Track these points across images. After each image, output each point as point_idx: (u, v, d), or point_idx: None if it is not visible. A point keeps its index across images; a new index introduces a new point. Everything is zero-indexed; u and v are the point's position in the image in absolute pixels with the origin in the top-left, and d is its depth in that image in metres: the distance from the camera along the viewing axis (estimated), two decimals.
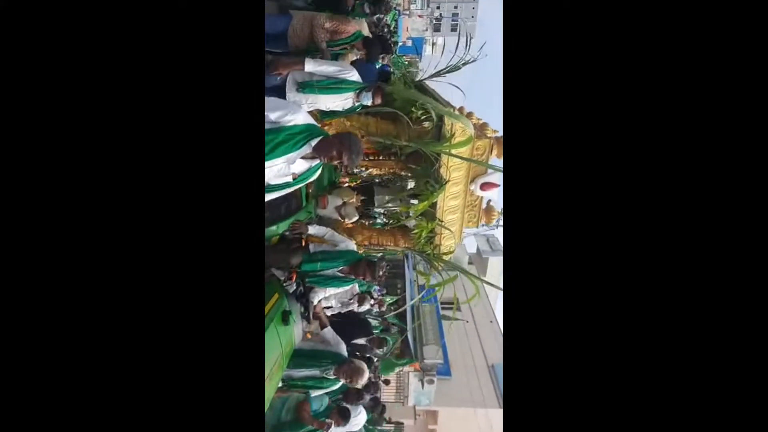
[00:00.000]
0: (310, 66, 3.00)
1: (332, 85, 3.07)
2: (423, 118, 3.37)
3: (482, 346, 12.61)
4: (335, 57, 3.51)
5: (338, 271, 3.01)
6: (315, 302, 3.12)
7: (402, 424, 11.40)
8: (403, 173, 4.42)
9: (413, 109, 3.35)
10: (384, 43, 3.77)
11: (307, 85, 3.03)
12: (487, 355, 12.46)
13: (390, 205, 4.17)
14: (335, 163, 2.11)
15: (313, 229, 3.17)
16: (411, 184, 4.55)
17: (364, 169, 4.53)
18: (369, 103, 3.17)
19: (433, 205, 3.56)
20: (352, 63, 3.66)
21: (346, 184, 4.61)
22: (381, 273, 2.96)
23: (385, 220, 4.38)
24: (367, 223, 4.27)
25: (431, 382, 11.55)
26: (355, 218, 4.02)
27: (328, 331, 3.38)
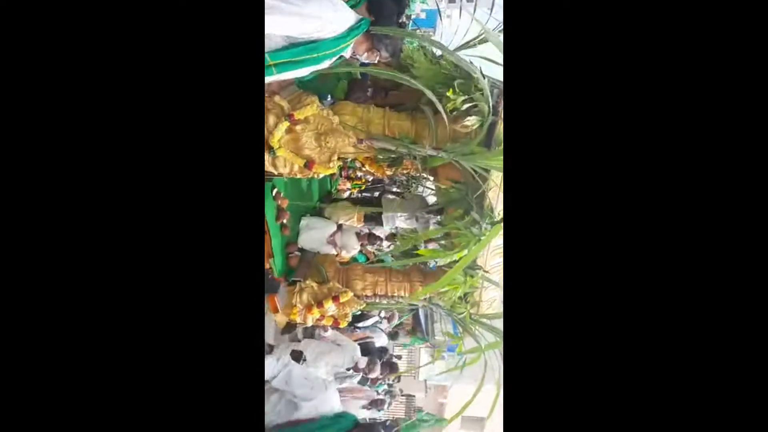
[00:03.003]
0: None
1: (302, 56, 1.48)
2: (464, 108, 1.75)
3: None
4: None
5: None
6: None
7: (413, 396, 11.14)
8: (418, 175, 2.84)
9: (447, 94, 1.74)
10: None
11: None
12: None
13: (406, 229, 2.59)
14: None
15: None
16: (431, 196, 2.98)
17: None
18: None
19: None
20: None
21: (347, 192, 3.03)
22: None
23: (391, 246, 2.74)
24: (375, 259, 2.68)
25: (442, 358, 11.01)
26: (356, 250, 2.48)
27: None
